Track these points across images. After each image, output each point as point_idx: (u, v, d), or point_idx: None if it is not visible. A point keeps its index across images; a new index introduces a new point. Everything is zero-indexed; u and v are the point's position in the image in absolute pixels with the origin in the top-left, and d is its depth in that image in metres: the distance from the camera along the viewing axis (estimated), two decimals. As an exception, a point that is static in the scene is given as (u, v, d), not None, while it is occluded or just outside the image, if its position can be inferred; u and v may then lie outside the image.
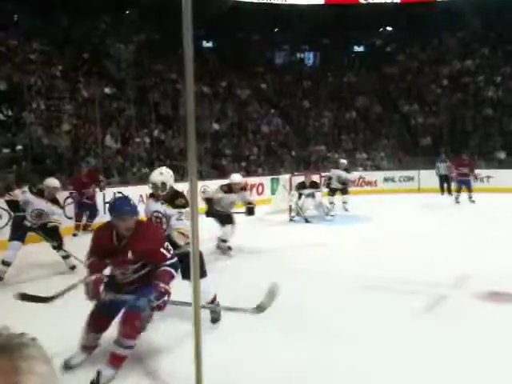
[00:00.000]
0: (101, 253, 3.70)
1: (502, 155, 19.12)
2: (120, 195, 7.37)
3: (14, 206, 6.86)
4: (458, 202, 14.06)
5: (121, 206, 3.68)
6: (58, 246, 6.92)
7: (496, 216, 10.85)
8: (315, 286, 5.88)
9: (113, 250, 3.66)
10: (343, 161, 13.61)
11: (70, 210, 10.03)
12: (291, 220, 11.47)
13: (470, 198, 14.04)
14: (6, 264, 6.50)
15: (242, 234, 8.08)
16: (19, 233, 6.69)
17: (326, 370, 3.62)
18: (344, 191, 13.19)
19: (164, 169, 5.06)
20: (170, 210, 4.77)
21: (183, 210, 4.66)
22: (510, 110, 21.27)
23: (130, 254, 3.63)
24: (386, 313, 4.86)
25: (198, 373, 1.81)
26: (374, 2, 25.22)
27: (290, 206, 11.57)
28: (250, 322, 4.16)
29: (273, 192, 14.62)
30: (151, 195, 5.04)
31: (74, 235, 9.90)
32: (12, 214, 7.21)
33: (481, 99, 22.15)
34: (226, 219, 7.87)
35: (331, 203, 12.52)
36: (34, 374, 0.76)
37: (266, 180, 15.49)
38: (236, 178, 8.11)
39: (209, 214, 7.89)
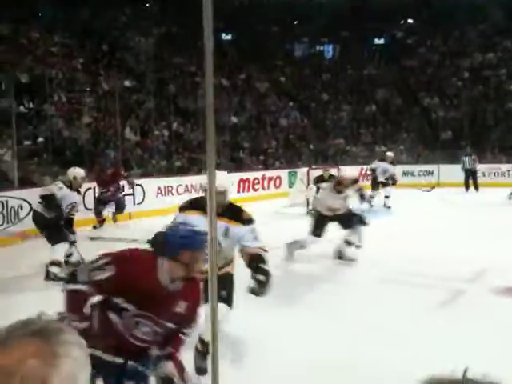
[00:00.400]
0: (134, 297, 2.39)
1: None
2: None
3: (50, 200, 6.46)
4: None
5: (193, 238, 2.42)
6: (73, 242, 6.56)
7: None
8: (331, 279, 5.90)
9: (158, 298, 2.41)
10: (390, 154, 13.14)
11: (90, 201, 10.13)
12: (308, 213, 11.46)
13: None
14: (58, 264, 6.13)
15: (259, 226, 8.06)
16: (62, 234, 6.39)
17: (346, 364, 3.64)
18: (387, 185, 12.57)
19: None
20: (238, 228, 3.62)
21: (254, 226, 3.75)
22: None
23: (179, 308, 2.47)
24: (403, 306, 4.87)
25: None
26: (394, -7, 24.91)
27: (308, 200, 11.56)
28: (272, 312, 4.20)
29: (290, 185, 14.63)
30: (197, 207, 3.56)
31: (94, 227, 10.01)
32: (45, 208, 6.53)
33: (503, 93, 21.82)
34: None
35: (371, 197, 11.52)
36: (71, 358, 0.81)
37: (283, 173, 15.49)
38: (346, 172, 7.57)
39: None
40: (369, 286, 5.58)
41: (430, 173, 18.01)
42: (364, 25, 25.67)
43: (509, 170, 16.75)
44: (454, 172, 15.99)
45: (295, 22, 26.78)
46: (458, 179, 15.91)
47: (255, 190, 14.54)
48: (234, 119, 18.21)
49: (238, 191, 13.86)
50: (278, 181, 15.27)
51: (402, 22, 27.84)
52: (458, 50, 24.50)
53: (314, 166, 13.79)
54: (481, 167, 16.26)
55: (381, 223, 10.15)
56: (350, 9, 24.09)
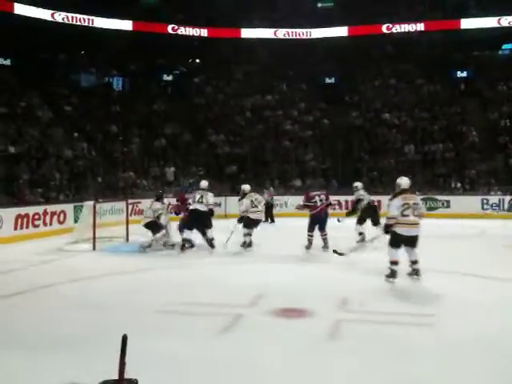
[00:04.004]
0: None
1: (298, 183, 20.92)
2: None
3: None
4: None
5: None
6: None
7: (294, 237, 11.56)
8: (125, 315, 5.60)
9: None
10: (204, 182, 11.33)
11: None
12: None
13: None
14: None
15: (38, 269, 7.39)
16: None
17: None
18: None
19: None
20: None
21: None
22: (305, 143, 23.50)
23: None
24: (186, 335, 4.82)
25: None
26: (182, 33, 25.95)
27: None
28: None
29: (76, 220, 13.74)
30: None
31: None
32: None
33: (280, 132, 24.07)
34: None
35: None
36: None
37: (68, 207, 14.50)
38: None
39: None
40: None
41: (218, 204, 18.71)
42: (153, 60, 26.18)
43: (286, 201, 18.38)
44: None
45: (82, 52, 26.01)
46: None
47: (35, 226, 13.32)
48: (12, 149, 16.65)
49: (16, 228, 12.58)
50: (62, 215, 14.23)
51: (190, 60, 29.11)
52: (241, 91, 26.43)
53: (101, 200, 13.23)
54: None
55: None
56: (138, 43, 24.26)
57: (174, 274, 8.27)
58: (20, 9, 21.64)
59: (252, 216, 10.44)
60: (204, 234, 10.42)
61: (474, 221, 15.96)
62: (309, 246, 10.27)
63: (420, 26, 26.24)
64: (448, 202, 18.83)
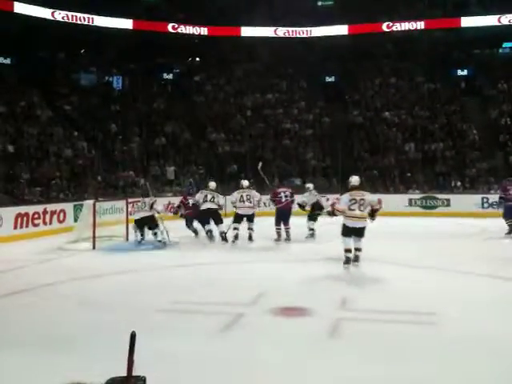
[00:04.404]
0: None
1: (297, 181, 20.88)
2: None
3: None
4: None
5: None
6: None
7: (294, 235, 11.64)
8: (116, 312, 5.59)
9: None
10: (213, 183, 12.14)
11: None
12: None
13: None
14: None
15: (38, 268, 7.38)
16: None
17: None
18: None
19: None
20: None
21: None
22: (305, 141, 23.48)
23: None
24: (186, 333, 4.81)
25: None
26: (182, 32, 25.91)
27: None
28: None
29: (76, 219, 13.73)
30: None
31: None
32: None
33: (280, 130, 24.05)
34: None
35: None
36: None
37: (68, 206, 14.49)
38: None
39: None
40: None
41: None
42: (153, 59, 26.15)
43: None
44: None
45: (82, 51, 25.98)
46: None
47: (35, 225, 13.30)
48: (11, 148, 16.64)
49: (15, 227, 12.56)
50: (61, 215, 14.21)
51: (190, 59, 29.07)
52: (241, 89, 26.40)
53: (101, 199, 13.23)
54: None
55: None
56: (138, 42, 24.23)
57: (174, 272, 8.26)
58: (20, 7, 21.59)
59: (239, 211, 11.17)
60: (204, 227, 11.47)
61: (474, 219, 15.95)
62: (278, 239, 11.30)
63: (420, 25, 26.16)
64: (448, 200, 18.80)
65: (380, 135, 23.02)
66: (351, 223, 7.89)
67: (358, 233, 7.90)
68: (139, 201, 11.92)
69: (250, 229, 11.23)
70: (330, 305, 5.87)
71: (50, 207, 13.94)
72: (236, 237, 11.03)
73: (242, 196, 11.19)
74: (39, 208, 13.60)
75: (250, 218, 11.25)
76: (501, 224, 12.57)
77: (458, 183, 20.33)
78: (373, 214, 8.08)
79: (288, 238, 11.32)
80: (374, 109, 24.49)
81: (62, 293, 6.82)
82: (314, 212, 11.75)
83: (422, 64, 25.84)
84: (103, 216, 12.60)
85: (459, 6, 26.22)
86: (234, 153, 22.86)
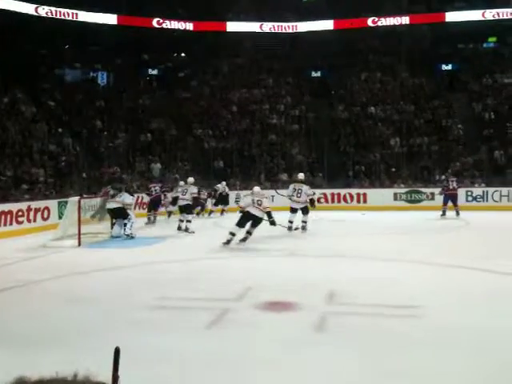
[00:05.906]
0: None
1: (284, 177, 20.91)
2: None
3: None
4: None
5: None
6: None
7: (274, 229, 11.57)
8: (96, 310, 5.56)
9: None
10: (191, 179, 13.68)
11: None
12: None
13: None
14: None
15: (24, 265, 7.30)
16: None
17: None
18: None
19: None
20: None
21: None
22: (291, 137, 23.50)
23: None
24: (173, 329, 4.79)
25: None
26: (167, 27, 25.77)
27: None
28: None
29: (60, 216, 13.60)
30: None
31: None
32: None
33: (266, 126, 24.03)
34: None
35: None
36: None
37: (52, 203, 14.34)
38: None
39: None
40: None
41: (205, 200, 18.68)
42: (138, 55, 25.95)
43: (273, 196, 18.29)
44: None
45: (66, 47, 25.70)
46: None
47: (19, 222, 13.15)
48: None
49: (-1, 225, 12.41)
50: (46, 212, 14.06)
51: (175, 55, 28.90)
52: (227, 85, 26.32)
53: (85, 195, 13.12)
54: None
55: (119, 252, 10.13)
56: (123, 37, 24.04)
57: (161, 269, 8.21)
58: (3, 3, 21.29)
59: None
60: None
61: (460, 213, 16.08)
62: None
63: (405, 20, 26.32)
64: (432, 194, 18.95)
65: (365, 130, 23.12)
66: (293, 204, 12.24)
67: (301, 210, 12.13)
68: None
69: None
70: (318, 298, 5.88)
71: (34, 204, 13.77)
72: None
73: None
74: (23, 205, 13.43)
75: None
76: (486, 216, 12.71)
77: (443, 177, 20.48)
78: (311, 202, 12.34)
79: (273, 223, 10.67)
80: (360, 104, 24.58)
81: (49, 290, 6.75)
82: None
83: (406, 59, 25.97)
84: (88, 213, 12.50)
85: (444, 1, 26.41)
86: (220, 148, 22.80)
